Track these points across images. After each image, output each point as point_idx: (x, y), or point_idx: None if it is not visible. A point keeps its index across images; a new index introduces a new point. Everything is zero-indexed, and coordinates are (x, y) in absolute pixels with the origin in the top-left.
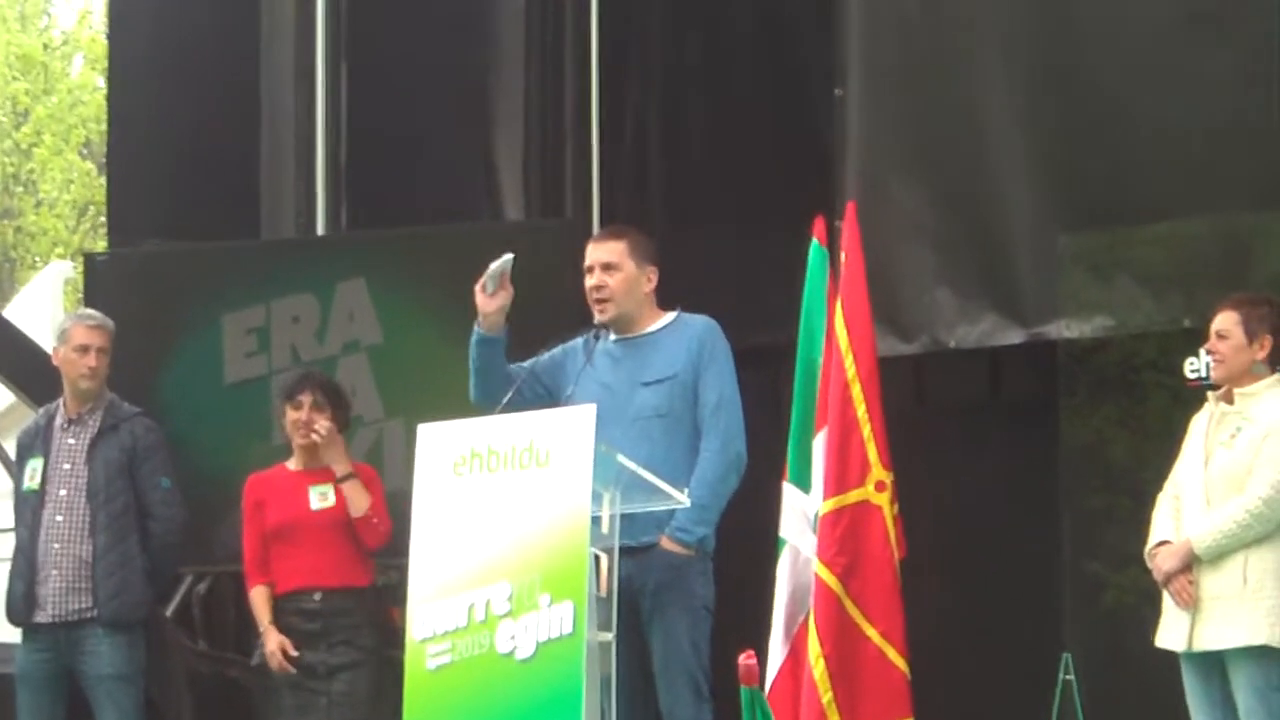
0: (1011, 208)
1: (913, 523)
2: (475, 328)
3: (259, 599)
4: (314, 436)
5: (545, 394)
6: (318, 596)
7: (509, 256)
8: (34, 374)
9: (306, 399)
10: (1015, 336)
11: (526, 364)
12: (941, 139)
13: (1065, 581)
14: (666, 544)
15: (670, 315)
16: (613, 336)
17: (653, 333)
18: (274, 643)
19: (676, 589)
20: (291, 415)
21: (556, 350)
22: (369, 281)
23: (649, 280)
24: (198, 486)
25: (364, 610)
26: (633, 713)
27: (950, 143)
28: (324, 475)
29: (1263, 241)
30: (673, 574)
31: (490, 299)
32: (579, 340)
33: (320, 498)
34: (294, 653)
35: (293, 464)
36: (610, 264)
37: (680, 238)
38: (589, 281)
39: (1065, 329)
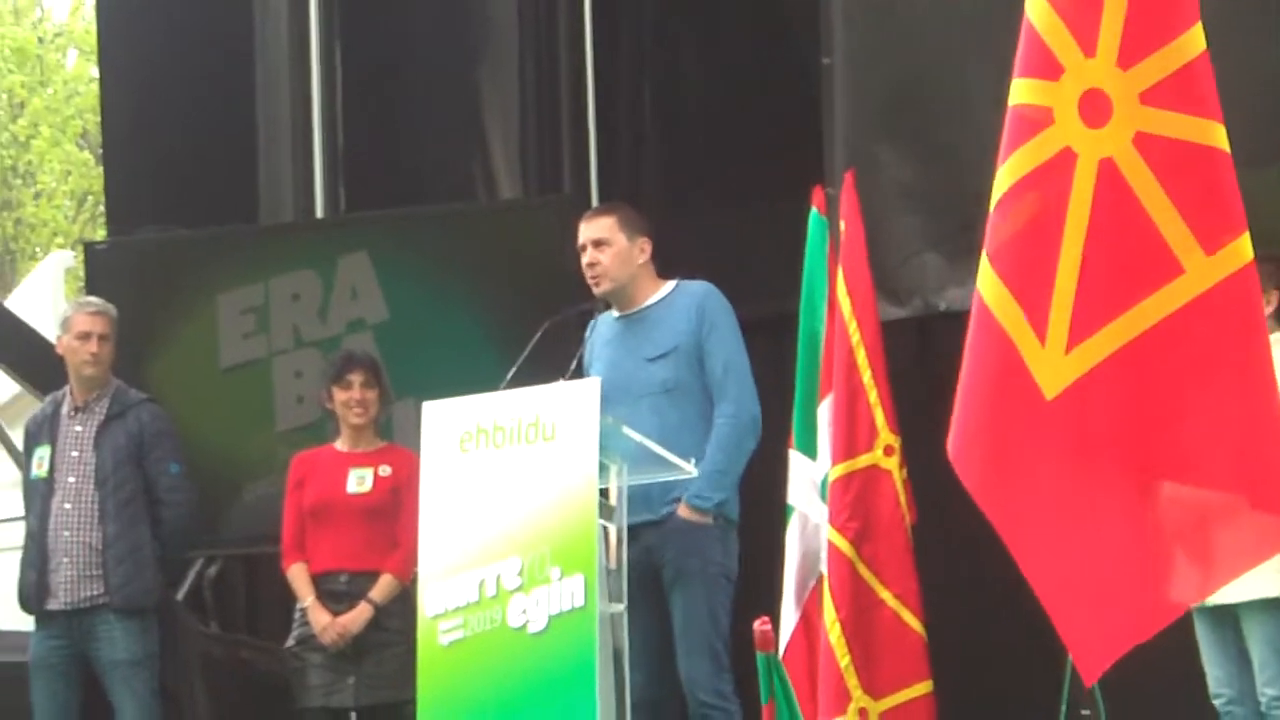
0: (994, 169)
1: (921, 485)
2: None
3: (298, 576)
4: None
5: None
6: (344, 579)
7: None
8: (38, 363)
9: (356, 378)
10: None
11: None
12: (925, 104)
13: None
14: (684, 511)
15: (669, 285)
16: (615, 313)
17: (652, 305)
18: (325, 618)
19: (695, 557)
20: (341, 395)
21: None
22: (372, 256)
23: (642, 251)
24: (199, 470)
25: None
26: (652, 683)
27: (933, 107)
28: (367, 459)
29: (1252, 200)
30: (691, 542)
31: None
32: (593, 321)
33: (358, 481)
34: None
35: (340, 444)
36: (601, 240)
37: (679, 211)
38: (583, 260)
39: None
